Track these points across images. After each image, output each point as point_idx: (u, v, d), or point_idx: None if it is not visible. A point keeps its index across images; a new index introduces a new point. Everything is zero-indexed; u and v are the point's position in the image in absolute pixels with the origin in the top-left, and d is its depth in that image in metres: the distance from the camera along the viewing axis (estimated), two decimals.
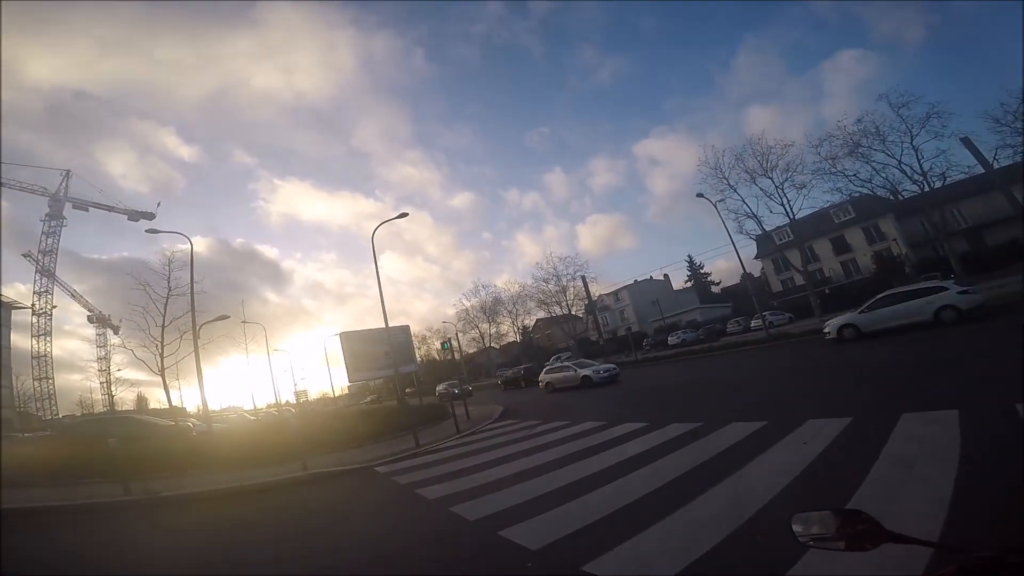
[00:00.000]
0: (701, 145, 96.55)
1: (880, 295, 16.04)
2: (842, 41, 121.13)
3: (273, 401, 45.04)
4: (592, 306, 46.87)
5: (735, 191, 31.90)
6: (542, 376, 24.31)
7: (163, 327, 18.57)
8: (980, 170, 24.72)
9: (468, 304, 58.90)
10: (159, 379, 18.96)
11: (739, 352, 23.45)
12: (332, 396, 55.25)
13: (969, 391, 6.13)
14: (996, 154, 25.17)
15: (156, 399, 55.37)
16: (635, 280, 62.43)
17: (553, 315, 50.52)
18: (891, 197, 29.43)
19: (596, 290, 52.06)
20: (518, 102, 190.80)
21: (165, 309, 18.72)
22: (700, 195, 29.47)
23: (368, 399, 50.83)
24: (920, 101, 26.82)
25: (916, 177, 26.40)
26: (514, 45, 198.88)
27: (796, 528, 1.09)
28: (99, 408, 48.79)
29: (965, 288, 14.19)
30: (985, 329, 11.46)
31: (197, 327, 18.19)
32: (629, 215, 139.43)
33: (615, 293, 63.74)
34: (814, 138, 30.92)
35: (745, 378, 13.52)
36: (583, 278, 44.34)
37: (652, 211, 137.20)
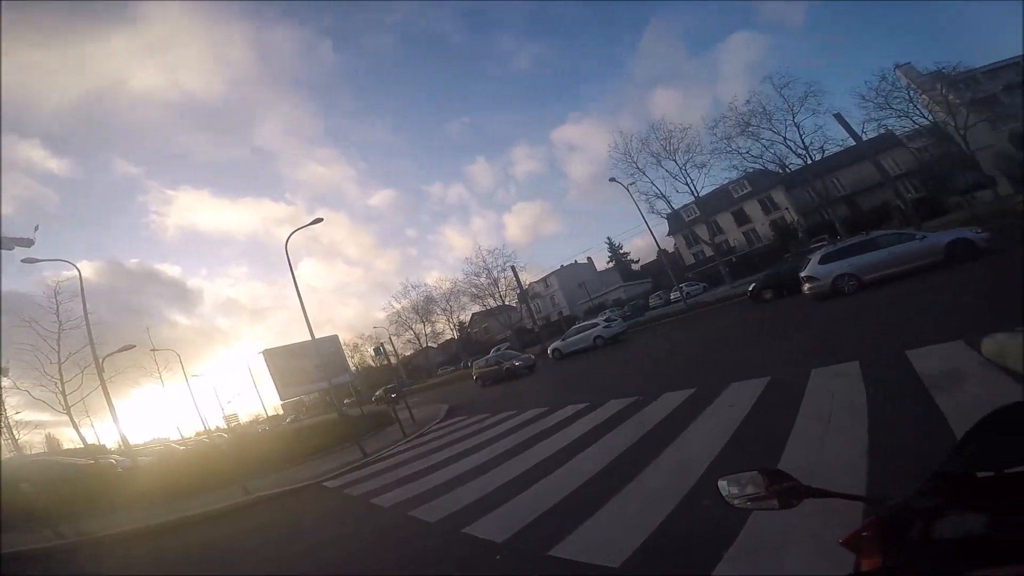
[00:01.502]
0: (613, 130, 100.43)
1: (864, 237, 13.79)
2: (735, 24, 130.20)
3: (202, 428, 42.64)
4: (524, 295, 47.49)
5: (644, 174, 33.99)
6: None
7: (60, 364, 16.81)
8: (852, 143, 27.91)
9: (399, 306, 57.64)
10: (67, 417, 17.23)
11: (663, 324, 24.96)
12: (266, 416, 53.11)
13: (865, 342, 6.88)
14: (864, 127, 28.77)
15: (68, 439, 49.79)
16: (561, 265, 64.27)
17: (488, 308, 50.71)
18: (780, 171, 32.60)
19: (527, 279, 52.87)
20: (437, 92, 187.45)
21: (59, 345, 16.90)
22: (612, 179, 30.97)
23: (288, 420, 48.50)
24: (799, 82, 29.97)
25: (799, 151, 29.51)
26: (431, 34, 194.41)
27: (723, 491, 1.12)
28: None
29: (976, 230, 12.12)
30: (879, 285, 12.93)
31: (99, 360, 16.48)
32: (552, 201, 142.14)
33: (544, 280, 65.13)
34: (710, 120, 33.60)
35: (671, 349, 14.42)
36: (513, 268, 44.77)
37: (573, 195, 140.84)
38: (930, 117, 30.90)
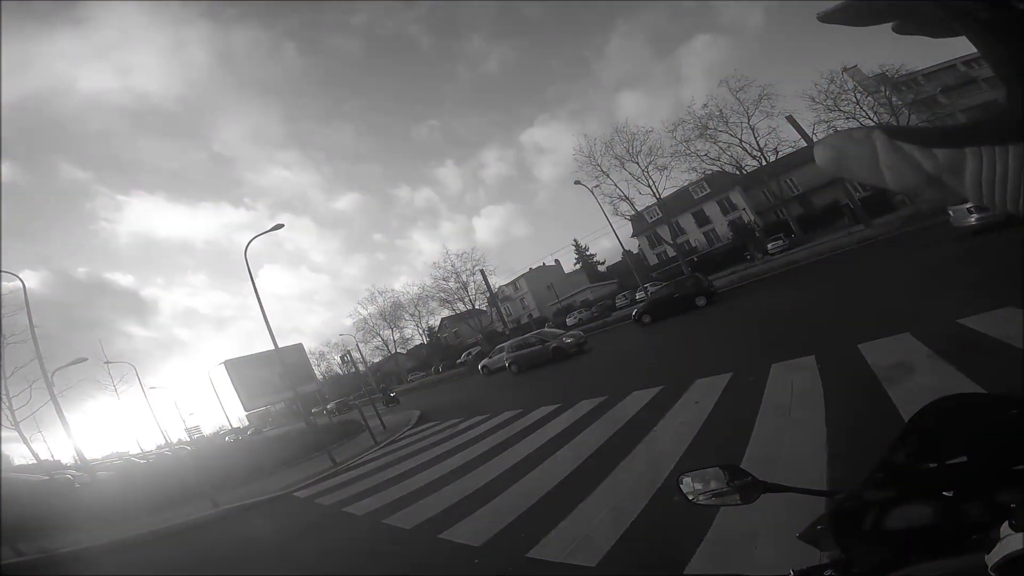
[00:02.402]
0: (579, 133, 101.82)
1: None
2: (697, 26, 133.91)
3: (164, 442, 40.96)
4: (494, 298, 47.50)
5: (608, 176, 34.59)
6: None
7: (5, 379, 15.91)
8: (803, 144, 29.10)
9: (365, 312, 56.65)
10: (15, 433, 16.32)
11: (628, 324, 25.40)
12: (230, 428, 52.24)
13: (820, 336, 7.16)
14: (814, 128, 30.02)
15: (20, 455, 46.89)
16: (530, 268, 64.60)
17: (458, 312, 50.40)
18: (737, 172, 33.74)
19: (496, 282, 52.90)
20: (404, 95, 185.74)
21: (1, 359, 15.97)
22: (577, 182, 31.41)
23: (249, 431, 47.04)
24: (753, 84, 31.09)
25: (755, 153, 30.60)
26: (400, 36, 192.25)
27: (684, 488, 1.12)
28: None
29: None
30: (830, 278, 13.63)
31: (49, 374, 15.65)
32: (521, 203, 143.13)
33: (513, 283, 65.28)
34: (670, 123, 34.53)
35: (637, 348, 14.70)
36: (482, 272, 44.71)
37: (541, 198, 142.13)
38: (875, 119, 32.55)
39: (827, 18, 0.30)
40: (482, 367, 25.93)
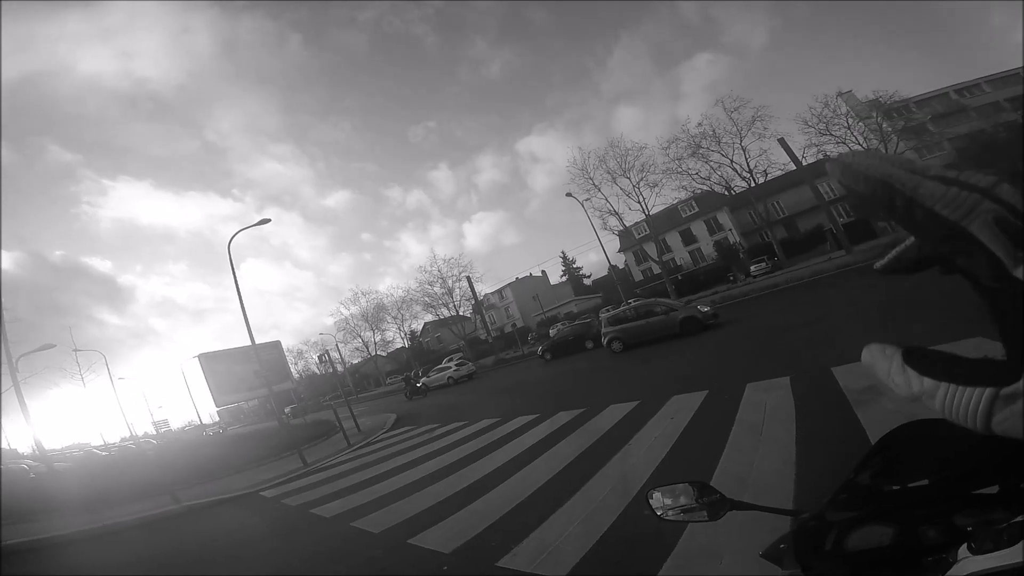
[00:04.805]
0: (575, 145, 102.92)
1: None
2: (700, 43, 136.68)
3: (128, 434, 39.95)
4: (479, 306, 47.35)
5: (599, 190, 34.88)
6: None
7: None
8: (792, 167, 29.63)
9: (347, 313, 56.05)
10: None
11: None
12: (200, 423, 51.15)
13: (796, 358, 7.28)
14: (804, 152, 30.60)
15: None
16: (517, 278, 64.79)
17: (441, 317, 50.12)
18: (726, 192, 34.27)
19: (482, 289, 52.80)
20: (405, 94, 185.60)
21: None
22: (569, 195, 31.64)
23: (206, 431, 46.00)
24: (748, 105, 31.66)
25: (744, 174, 31.12)
26: (405, 34, 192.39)
27: (653, 503, 1.12)
28: None
29: None
30: (804, 299, 13.89)
31: (13, 360, 15.15)
32: (513, 212, 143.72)
33: (500, 291, 65.32)
34: (664, 140, 35.05)
35: (617, 362, 14.73)
36: (468, 279, 44.61)
37: (533, 207, 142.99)
38: (864, 145, 33.26)
39: (884, 268, 0.41)
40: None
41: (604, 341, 16.96)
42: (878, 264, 0.40)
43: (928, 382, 0.36)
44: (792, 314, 12.32)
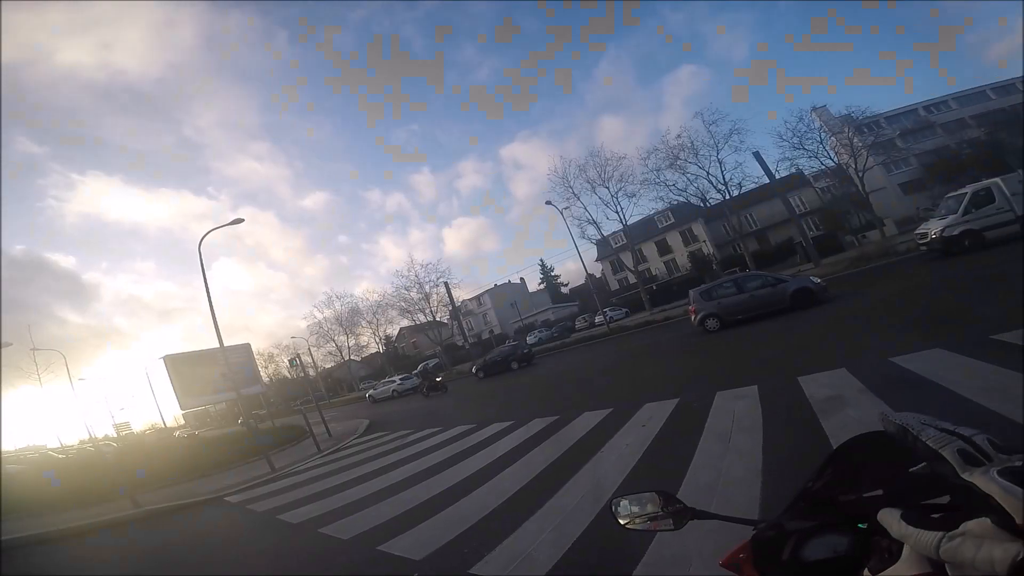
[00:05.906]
0: (556, 154, 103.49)
1: None
2: (685, 56, 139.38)
3: (87, 436, 38.24)
4: (456, 312, 47.02)
5: (579, 199, 35.16)
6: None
7: None
8: (767, 180, 30.38)
9: (321, 316, 54.90)
10: None
11: (587, 345, 25.72)
12: (164, 426, 49.74)
13: (764, 368, 7.43)
14: (778, 166, 31.43)
15: None
16: (495, 284, 64.70)
17: (417, 323, 49.59)
18: (701, 204, 34.92)
19: (459, 295, 52.46)
20: (390, 96, 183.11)
21: None
22: (548, 203, 31.89)
23: (178, 432, 44.57)
24: (726, 119, 32.37)
25: (720, 187, 31.79)
26: (395, 35, 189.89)
27: (621, 511, 1.13)
28: None
29: None
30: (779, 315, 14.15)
31: None
32: (493, 218, 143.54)
33: (477, 298, 65.10)
34: (643, 151, 35.53)
35: (592, 369, 14.82)
36: (446, 284, 44.27)
37: (514, 214, 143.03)
38: (835, 159, 34.32)
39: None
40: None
41: (695, 319, 14.97)
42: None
43: (909, 528, 0.64)
44: (757, 328, 12.54)
